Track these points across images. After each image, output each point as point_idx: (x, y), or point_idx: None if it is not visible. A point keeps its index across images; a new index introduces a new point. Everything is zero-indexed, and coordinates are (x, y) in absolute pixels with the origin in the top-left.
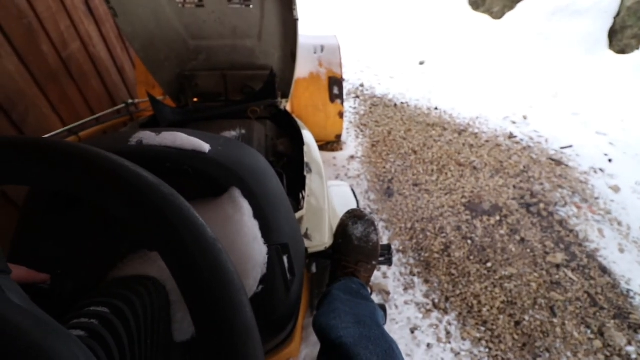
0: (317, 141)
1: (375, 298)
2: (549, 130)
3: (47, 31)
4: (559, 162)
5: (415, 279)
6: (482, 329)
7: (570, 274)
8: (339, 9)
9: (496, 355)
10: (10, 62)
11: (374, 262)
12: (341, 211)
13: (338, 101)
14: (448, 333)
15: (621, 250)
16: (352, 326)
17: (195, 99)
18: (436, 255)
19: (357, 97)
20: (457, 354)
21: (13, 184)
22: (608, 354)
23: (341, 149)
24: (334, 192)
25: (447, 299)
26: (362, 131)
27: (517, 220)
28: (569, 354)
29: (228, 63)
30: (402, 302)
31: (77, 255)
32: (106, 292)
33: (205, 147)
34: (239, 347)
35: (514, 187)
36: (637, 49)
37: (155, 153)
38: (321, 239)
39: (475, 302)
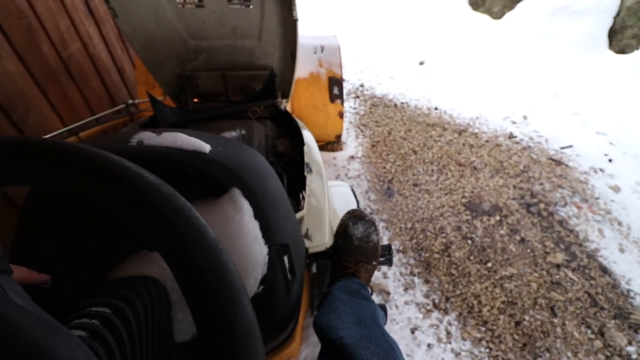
0: (317, 141)
1: (376, 298)
2: (549, 130)
3: (47, 31)
4: (559, 162)
5: (416, 279)
6: (483, 329)
7: (570, 274)
8: (339, 9)
9: (496, 356)
10: (10, 62)
11: (374, 263)
12: (341, 211)
13: (338, 101)
14: (448, 333)
15: (621, 250)
16: (353, 326)
17: (196, 99)
18: (436, 256)
19: (357, 97)
20: (457, 354)
21: (14, 184)
22: (608, 354)
23: (341, 149)
24: (334, 192)
25: (447, 299)
26: (362, 131)
27: (517, 220)
28: (569, 354)
29: (228, 63)
30: (403, 302)
31: (78, 256)
32: (107, 293)
33: (206, 147)
34: (240, 347)
35: (514, 187)
36: (637, 48)
37: (155, 153)
38: (321, 239)
39: (475, 302)
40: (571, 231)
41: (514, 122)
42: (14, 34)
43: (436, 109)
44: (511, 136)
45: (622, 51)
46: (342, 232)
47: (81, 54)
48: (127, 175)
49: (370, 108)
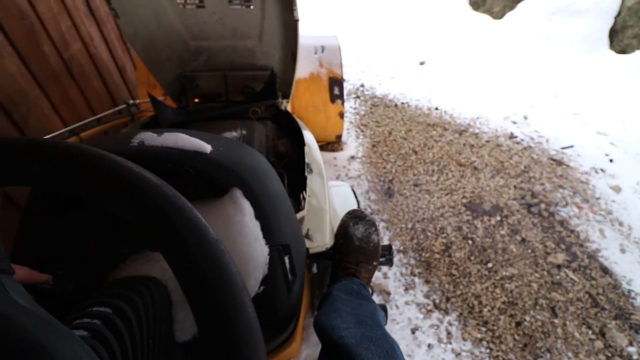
0: (317, 141)
1: (376, 298)
2: (550, 130)
3: (48, 32)
4: (559, 162)
5: (416, 280)
6: (483, 329)
7: (571, 274)
8: (339, 9)
9: (497, 356)
10: (11, 63)
11: (374, 263)
12: (342, 211)
13: (338, 101)
14: (449, 333)
15: (622, 251)
16: (354, 326)
17: (196, 100)
18: (437, 256)
19: (358, 97)
20: (458, 355)
21: (15, 184)
22: (609, 354)
23: (342, 149)
24: (335, 192)
25: (447, 299)
26: (362, 131)
27: (518, 220)
28: (570, 354)
29: (229, 64)
30: (403, 303)
31: (79, 256)
32: (108, 293)
33: (207, 147)
34: (241, 347)
35: (515, 187)
36: (638, 48)
37: (156, 154)
38: (322, 239)
39: (476, 302)
40: (572, 231)
41: (514, 122)
42: (15, 34)
43: (437, 109)
44: (512, 136)
45: (623, 51)
46: (343, 232)
47: (82, 55)
48: (129, 175)
49: (371, 108)
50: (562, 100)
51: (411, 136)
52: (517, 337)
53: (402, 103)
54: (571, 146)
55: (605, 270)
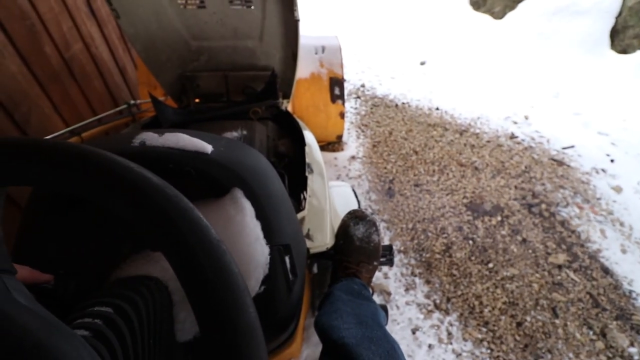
0: (318, 141)
1: (377, 298)
2: (551, 131)
3: (49, 32)
4: (560, 163)
5: (417, 280)
6: (484, 329)
7: (572, 274)
8: (340, 9)
9: (498, 356)
10: (12, 63)
11: (375, 263)
12: (342, 212)
13: (339, 101)
14: (449, 334)
15: (623, 251)
16: (354, 327)
17: (197, 100)
18: (437, 256)
19: (358, 97)
20: (458, 355)
21: (16, 184)
22: (610, 355)
23: (342, 150)
24: (335, 192)
25: (448, 299)
26: (363, 131)
27: (519, 220)
28: (571, 355)
29: (229, 64)
30: (404, 303)
31: (80, 256)
32: (109, 293)
33: (208, 148)
34: (242, 347)
35: (516, 187)
36: (639, 49)
37: (158, 154)
38: (323, 239)
39: (476, 302)
40: (573, 232)
41: (515, 122)
42: (16, 34)
43: (437, 109)
44: (512, 136)
45: (624, 51)
46: (343, 232)
47: (83, 55)
48: (130, 175)
49: (371, 108)
50: (563, 100)
51: (412, 136)
52: (517, 338)
53: (403, 103)
54: (572, 146)
55: (606, 271)
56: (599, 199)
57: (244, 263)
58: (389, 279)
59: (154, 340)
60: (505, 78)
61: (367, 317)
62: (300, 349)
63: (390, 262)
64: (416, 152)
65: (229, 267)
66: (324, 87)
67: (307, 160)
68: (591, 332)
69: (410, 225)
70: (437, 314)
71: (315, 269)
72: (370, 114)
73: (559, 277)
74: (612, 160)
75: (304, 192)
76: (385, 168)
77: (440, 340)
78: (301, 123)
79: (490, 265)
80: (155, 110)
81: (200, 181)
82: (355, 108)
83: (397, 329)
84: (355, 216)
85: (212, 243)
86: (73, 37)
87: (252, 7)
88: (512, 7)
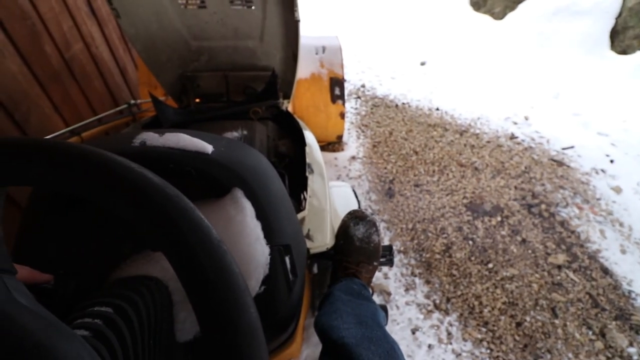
0: (318, 142)
1: (377, 299)
2: (551, 131)
3: (50, 32)
4: (560, 163)
5: (417, 280)
6: (484, 329)
7: (571, 275)
8: (340, 9)
9: (497, 357)
10: (13, 63)
11: (375, 263)
12: (342, 212)
13: (339, 102)
14: (449, 334)
15: (623, 252)
16: (354, 327)
17: (197, 100)
18: (437, 256)
19: (359, 97)
20: (458, 355)
21: (16, 185)
22: (610, 355)
23: (342, 150)
24: (336, 192)
25: (448, 299)
26: (363, 132)
27: (519, 221)
28: (570, 355)
29: (230, 64)
30: (403, 303)
31: (80, 256)
32: (109, 293)
33: (208, 148)
34: (243, 347)
35: (515, 187)
36: (639, 49)
37: (158, 154)
38: (323, 239)
39: (476, 303)
40: (572, 232)
41: (515, 123)
42: (17, 34)
43: (437, 109)
44: (512, 137)
45: (623, 52)
46: (343, 232)
47: (84, 55)
48: (131, 175)
49: (372, 108)
50: (562, 100)
51: (412, 137)
52: (517, 338)
53: (403, 103)
54: (572, 147)
55: (606, 271)
56: (598, 199)
57: (244, 263)
58: (389, 279)
59: (154, 340)
60: (505, 78)
61: (366, 317)
62: (300, 349)
63: (390, 263)
64: (416, 153)
65: (229, 267)
66: (324, 88)
67: (308, 160)
68: (590, 332)
69: (410, 226)
70: (436, 314)
71: (315, 269)
72: (370, 114)
73: (558, 278)
74: (611, 161)
75: (304, 192)
76: (385, 168)
77: (440, 341)
78: (301, 123)
79: (490, 265)
80: (156, 110)
81: (201, 181)
82: (356, 108)
83: (397, 329)
84: (356, 216)
85: (213, 243)
86: (73, 37)
87: (253, 8)
88: (512, 8)
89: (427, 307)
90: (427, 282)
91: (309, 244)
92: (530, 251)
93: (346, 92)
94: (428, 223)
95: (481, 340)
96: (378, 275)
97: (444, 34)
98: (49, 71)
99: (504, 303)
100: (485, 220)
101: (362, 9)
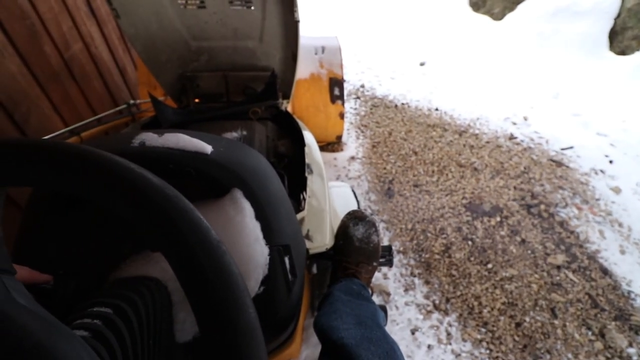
0: (317, 142)
1: (376, 299)
2: (550, 131)
3: (49, 32)
4: (559, 163)
5: (416, 280)
6: (483, 330)
7: (571, 275)
8: (340, 10)
9: (497, 357)
10: (12, 63)
11: (374, 263)
12: (342, 212)
13: (339, 102)
14: (449, 334)
15: (622, 252)
16: (354, 327)
17: (197, 100)
18: (437, 256)
19: (358, 97)
20: (457, 355)
21: (16, 185)
22: (609, 355)
23: (342, 150)
24: (335, 193)
25: (447, 300)
26: (362, 132)
27: (518, 221)
28: (569, 355)
29: (229, 64)
30: (403, 303)
31: (80, 256)
32: (109, 293)
33: (208, 148)
34: (242, 347)
35: (515, 188)
36: (638, 50)
37: (157, 154)
38: (322, 240)
39: (475, 303)
40: (572, 232)
41: (514, 123)
42: (16, 34)
43: (437, 109)
44: (512, 137)
45: (622, 52)
46: (343, 233)
47: (83, 55)
48: (130, 176)
49: (371, 109)
50: (562, 101)
51: (411, 137)
52: (516, 338)
53: (403, 104)
54: (571, 147)
55: (605, 271)
56: (597, 199)
57: (244, 263)
58: (389, 280)
59: (154, 340)
60: (504, 79)
61: (366, 318)
62: (300, 349)
63: (389, 263)
64: (415, 153)
65: (228, 268)
66: (323, 88)
67: (307, 160)
68: (590, 333)
69: (409, 226)
70: (436, 315)
71: (314, 270)
72: (369, 114)
73: (557, 278)
74: (611, 161)
75: (304, 193)
76: (384, 168)
77: (439, 341)
78: (301, 123)
79: (490, 265)
80: (155, 110)
81: (200, 181)
82: (355, 108)
83: (397, 329)
84: (355, 217)
85: (212, 243)
86: (73, 37)
87: (252, 8)
88: (512, 9)
89: (427, 308)
90: (427, 282)
91: (308, 244)
92: (529, 251)
93: (345, 92)
94: (427, 223)
95: (480, 341)
96: (377, 275)
97: (443, 35)
98: (49, 71)
99: (503, 303)
100: (485, 220)
101: (362, 9)
